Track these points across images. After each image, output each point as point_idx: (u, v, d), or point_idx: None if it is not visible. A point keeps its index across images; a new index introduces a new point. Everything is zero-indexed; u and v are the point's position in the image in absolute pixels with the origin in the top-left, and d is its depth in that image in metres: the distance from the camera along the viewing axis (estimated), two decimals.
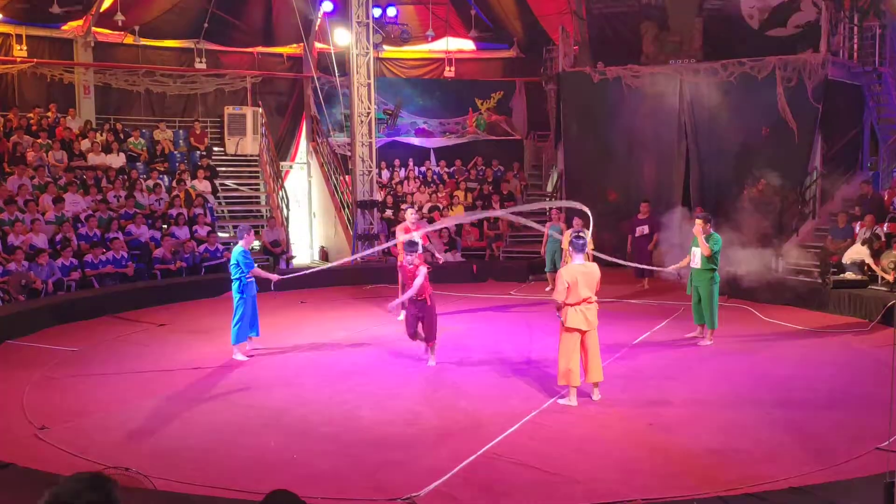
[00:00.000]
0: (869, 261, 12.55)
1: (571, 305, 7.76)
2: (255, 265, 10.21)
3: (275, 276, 10.82)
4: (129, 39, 19.51)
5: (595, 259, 10.76)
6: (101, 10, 18.59)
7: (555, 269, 13.70)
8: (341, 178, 19.62)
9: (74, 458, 6.43)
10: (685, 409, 7.79)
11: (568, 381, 7.87)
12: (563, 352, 7.88)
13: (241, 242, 10.06)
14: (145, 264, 14.80)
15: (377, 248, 15.35)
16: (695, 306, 10.69)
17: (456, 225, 18.62)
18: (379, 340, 11.04)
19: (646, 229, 14.86)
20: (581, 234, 8.07)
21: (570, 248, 8.01)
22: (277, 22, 20.68)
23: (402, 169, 20.84)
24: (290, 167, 21.80)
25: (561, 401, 7.97)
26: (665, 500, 5.63)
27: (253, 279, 10.04)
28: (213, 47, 20.54)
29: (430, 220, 18.19)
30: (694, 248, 10.58)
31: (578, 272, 7.81)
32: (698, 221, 10.65)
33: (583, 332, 7.82)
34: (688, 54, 17.46)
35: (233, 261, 9.92)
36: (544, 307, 13.48)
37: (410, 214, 12.82)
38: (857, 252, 12.80)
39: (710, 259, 10.34)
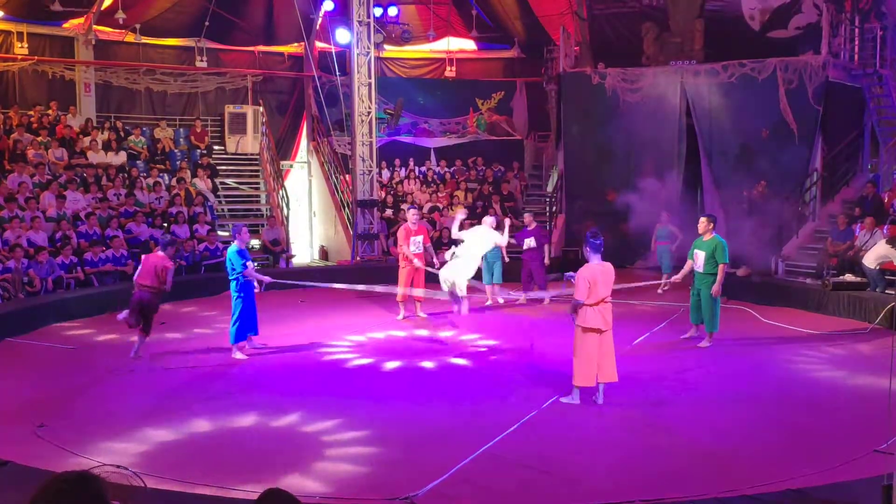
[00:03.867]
0: None
1: (590, 305, 7.74)
2: (253, 264, 10.17)
3: (266, 279, 10.54)
4: (130, 38, 19.50)
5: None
6: (103, 8, 18.59)
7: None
8: (342, 177, 19.63)
9: (73, 455, 6.43)
10: (684, 410, 7.79)
11: (584, 382, 7.85)
12: (580, 352, 7.83)
13: (235, 241, 10.02)
14: None
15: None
16: (693, 306, 10.66)
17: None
18: (378, 340, 11.05)
19: (533, 242, 13.65)
20: (596, 232, 8.00)
21: (588, 249, 7.91)
22: (278, 21, 20.68)
23: (403, 168, 20.84)
24: (291, 166, 21.79)
25: (563, 399, 7.96)
26: (663, 501, 5.63)
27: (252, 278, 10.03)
28: (214, 46, 20.54)
29: (431, 221, 18.22)
30: (697, 250, 10.48)
31: (598, 272, 7.80)
32: (702, 220, 10.59)
33: (601, 332, 7.80)
34: (688, 55, 17.46)
35: (227, 261, 9.91)
36: (544, 306, 13.51)
37: (412, 215, 12.78)
38: (887, 252, 12.39)
39: (714, 262, 10.27)
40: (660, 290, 13.88)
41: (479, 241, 11.20)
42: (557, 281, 16.00)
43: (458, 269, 10.90)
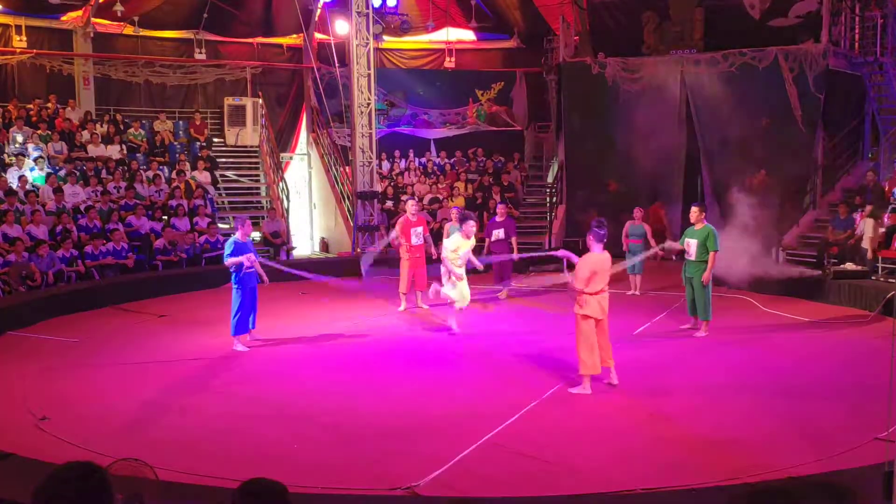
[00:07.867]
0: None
1: (591, 294, 7.79)
2: (255, 256, 10.12)
3: (265, 279, 10.42)
4: (129, 30, 19.46)
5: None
6: (101, 0, 18.53)
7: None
8: (341, 169, 19.60)
9: (75, 448, 6.44)
10: (684, 399, 7.80)
11: (591, 371, 7.87)
12: (583, 341, 7.88)
13: (237, 233, 9.99)
14: (145, 255, 14.82)
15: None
16: (689, 298, 10.64)
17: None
18: (379, 331, 11.06)
19: (501, 233, 13.41)
20: (602, 222, 8.03)
21: (591, 238, 7.95)
22: (277, 12, 20.61)
23: (403, 160, 20.82)
24: (291, 158, 21.76)
25: (573, 390, 7.97)
26: (664, 489, 5.64)
27: (252, 270, 10.01)
28: (213, 38, 20.48)
29: (431, 213, 18.20)
30: (688, 238, 10.48)
31: (598, 261, 7.85)
32: (694, 209, 10.58)
33: (597, 320, 7.87)
34: (689, 44, 17.40)
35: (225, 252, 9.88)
36: (544, 297, 13.50)
37: (411, 206, 12.79)
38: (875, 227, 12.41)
39: (706, 250, 10.28)
40: (630, 293, 13.44)
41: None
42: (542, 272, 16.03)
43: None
